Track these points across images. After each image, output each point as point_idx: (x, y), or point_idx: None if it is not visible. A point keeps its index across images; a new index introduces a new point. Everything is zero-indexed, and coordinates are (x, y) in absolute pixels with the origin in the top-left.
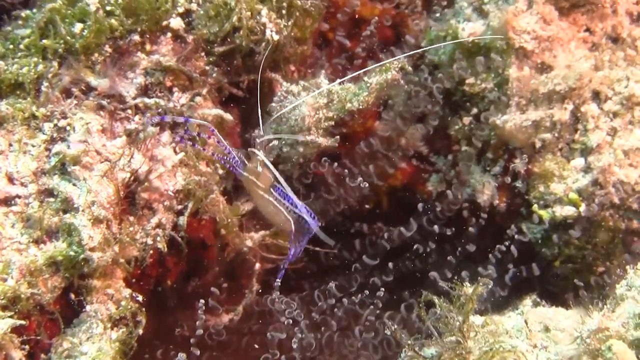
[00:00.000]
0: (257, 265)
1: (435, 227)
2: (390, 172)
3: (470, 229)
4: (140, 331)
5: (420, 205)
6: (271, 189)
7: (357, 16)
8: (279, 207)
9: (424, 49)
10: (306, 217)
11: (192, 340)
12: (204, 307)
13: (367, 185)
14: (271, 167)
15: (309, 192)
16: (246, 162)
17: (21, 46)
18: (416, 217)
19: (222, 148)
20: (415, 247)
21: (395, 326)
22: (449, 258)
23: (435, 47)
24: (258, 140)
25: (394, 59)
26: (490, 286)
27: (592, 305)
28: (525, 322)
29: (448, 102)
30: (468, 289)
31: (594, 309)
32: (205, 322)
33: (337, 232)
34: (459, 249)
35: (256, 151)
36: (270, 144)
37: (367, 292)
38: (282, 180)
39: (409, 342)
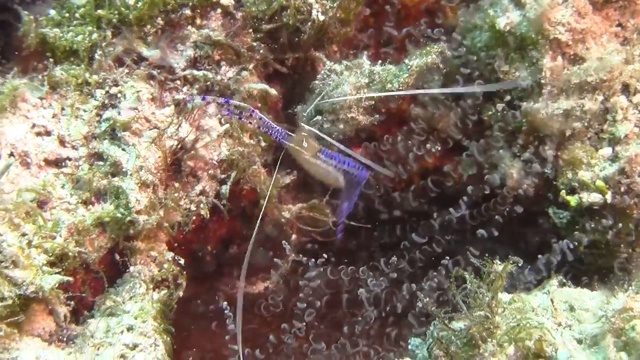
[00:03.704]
0: (294, 237)
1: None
2: (425, 156)
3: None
4: (181, 293)
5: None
6: (318, 154)
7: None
8: (327, 168)
9: None
10: (353, 171)
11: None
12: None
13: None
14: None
15: None
16: (291, 134)
17: (77, 15)
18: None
19: (264, 123)
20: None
21: (428, 299)
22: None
23: (471, 35)
24: (303, 119)
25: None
26: (520, 264)
27: (618, 286)
28: (551, 301)
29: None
30: (498, 266)
31: (619, 290)
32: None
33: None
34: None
35: (301, 126)
36: (315, 119)
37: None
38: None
39: (440, 314)
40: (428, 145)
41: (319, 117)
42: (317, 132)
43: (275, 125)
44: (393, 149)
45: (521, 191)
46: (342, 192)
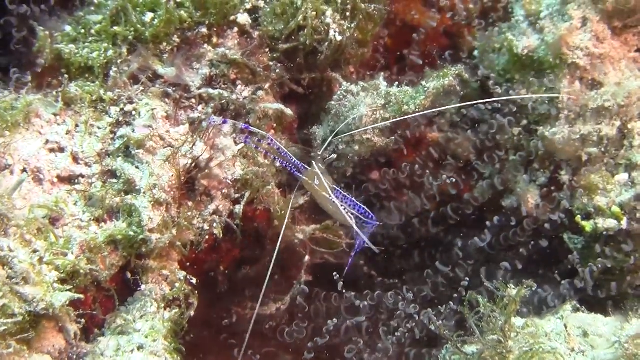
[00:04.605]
0: (307, 258)
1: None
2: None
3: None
4: (192, 313)
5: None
6: (331, 191)
7: (415, 25)
8: (339, 207)
9: None
10: (362, 217)
11: None
12: None
13: (454, 180)
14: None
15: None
16: (307, 167)
17: (92, 31)
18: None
19: (281, 153)
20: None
21: (440, 322)
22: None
23: (489, 59)
24: (317, 157)
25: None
26: (534, 289)
27: (632, 312)
28: (565, 326)
29: (499, 112)
30: (512, 290)
31: (634, 316)
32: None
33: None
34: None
35: (314, 164)
36: (329, 157)
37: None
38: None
39: (452, 338)
40: (444, 176)
41: (334, 156)
42: (322, 179)
43: (292, 157)
44: (413, 178)
45: (545, 224)
46: (353, 231)
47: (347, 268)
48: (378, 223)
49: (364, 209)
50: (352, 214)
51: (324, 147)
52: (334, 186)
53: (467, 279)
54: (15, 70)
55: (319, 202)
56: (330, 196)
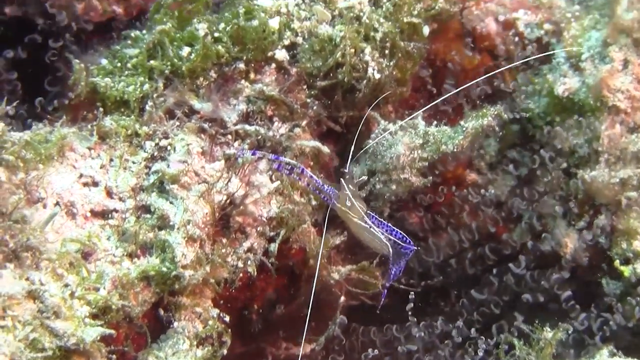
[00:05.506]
0: (342, 299)
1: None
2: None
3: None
4: (225, 351)
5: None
6: (365, 217)
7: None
8: (374, 234)
9: None
10: (400, 242)
11: None
12: None
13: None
14: (355, 202)
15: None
16: (338, 193)
17: (129, 65)
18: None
19: (314, 182)
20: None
21: None
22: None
23: (529, 100)
24: (346, 176)
25: None
26: (569, 332)
27: None
28: None
29: (539, 153)
30: (548, 333)
31: None
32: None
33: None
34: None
35: (344, 184)
36: (359, 179)
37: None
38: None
39: None
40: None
41: (364, 177)
42: (354, 201)
43: (325, 186)
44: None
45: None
46: (390, 259)
47: (382, 298)
48: (416, 248)
49: (400, 233)
50: (389, 238)
51: (350, 161)
52: (369, 212)
53: (523, 317)
54: (42, 101)
55: (353, 231)
56: (363, 221)
